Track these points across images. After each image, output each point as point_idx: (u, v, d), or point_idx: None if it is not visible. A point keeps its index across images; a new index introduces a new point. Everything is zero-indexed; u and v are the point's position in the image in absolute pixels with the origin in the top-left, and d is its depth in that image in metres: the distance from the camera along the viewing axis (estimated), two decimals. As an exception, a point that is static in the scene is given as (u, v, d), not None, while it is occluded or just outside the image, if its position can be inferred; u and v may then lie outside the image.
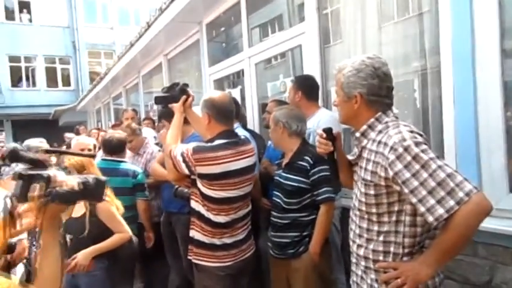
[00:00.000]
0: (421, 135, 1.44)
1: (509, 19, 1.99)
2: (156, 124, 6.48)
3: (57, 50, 20.71)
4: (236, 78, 4.77)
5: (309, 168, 2.26)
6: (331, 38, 3.27)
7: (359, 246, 1.58)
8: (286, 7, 4.03)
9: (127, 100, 9.98)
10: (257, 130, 3.99)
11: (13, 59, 20.19)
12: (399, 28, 2.78)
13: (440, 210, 1.29)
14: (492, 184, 1.99)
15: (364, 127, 1.54)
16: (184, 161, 2.14)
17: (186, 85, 2.82)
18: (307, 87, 2.82)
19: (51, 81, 21.13)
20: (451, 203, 1.29)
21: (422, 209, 1.33)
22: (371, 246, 1.52)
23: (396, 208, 1.45)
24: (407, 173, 1.35)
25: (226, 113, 2.31)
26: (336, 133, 1.70)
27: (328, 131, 1.68)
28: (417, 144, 1.37)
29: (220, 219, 2.21)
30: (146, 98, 8.31)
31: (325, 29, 3.25)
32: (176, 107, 2.42)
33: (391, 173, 1.39)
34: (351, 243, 1.65)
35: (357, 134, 1.57)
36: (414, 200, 1.35)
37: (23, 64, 20.59)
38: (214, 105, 2.28)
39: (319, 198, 2.25)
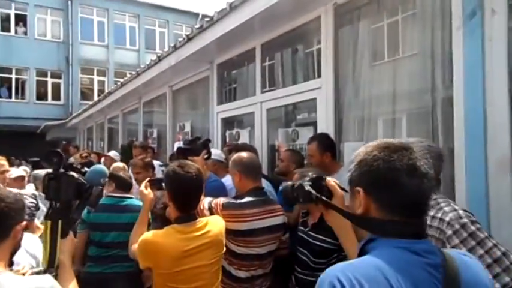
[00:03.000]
0: (472, 214, 1.59)
1: None
2: (155, 152, 6.60)
3: (50, 64, 20.68)
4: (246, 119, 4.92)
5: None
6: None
7: None
8: (302, 60, 4.25)
9: (123, 122, 10.04)
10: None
11: (4, 70, 20.06)
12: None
13: (497, 285, 1.42)
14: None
15: None
16: (211, 214, 2.25)
17: (209, 140, 2.96)
18: (333, 147, 2.94)
19: (41, 94, 20.99)
20: (507, 279, 1.42)
21: None
22: None
23: None
24: (464, 248, 1.47)
25: (255, 169, 2.44)
26: None
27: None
28: (473, 222, 1.53)
29: (241, 274, 2.31)
30: (145, 121, 8.42)
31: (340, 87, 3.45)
32: (198, 161, 2.54)
33: (448, 247, 1.51)
34: None
35: None
36: None
37: (13, 76, 20.45)
38: (243, 163, 2.42)
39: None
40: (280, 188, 1.78)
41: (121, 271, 3.08)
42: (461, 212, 1.58)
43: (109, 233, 3.14)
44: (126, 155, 6.27)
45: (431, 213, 1.62)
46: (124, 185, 3.37)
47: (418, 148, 1.04)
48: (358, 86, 3.29)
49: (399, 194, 0.96)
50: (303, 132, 3.90)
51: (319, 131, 3.42)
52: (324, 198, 1.38)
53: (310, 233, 2.42)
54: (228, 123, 5.20)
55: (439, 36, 2.66)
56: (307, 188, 1.44)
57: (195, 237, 1.90)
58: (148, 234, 1.96)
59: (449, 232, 1.54)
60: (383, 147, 1.02)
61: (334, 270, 0.91)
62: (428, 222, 1.57)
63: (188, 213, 2.01)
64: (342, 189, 1.42)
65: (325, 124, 3.41)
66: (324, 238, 2.39)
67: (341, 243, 1.39)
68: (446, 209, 1.60)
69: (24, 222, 1.53)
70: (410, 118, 3.02)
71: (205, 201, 2.30)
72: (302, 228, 2.49)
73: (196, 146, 2.73)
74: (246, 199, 2.32)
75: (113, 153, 6.47)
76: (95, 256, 3.17)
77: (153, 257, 1.90)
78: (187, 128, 6.25)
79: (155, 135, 7.67)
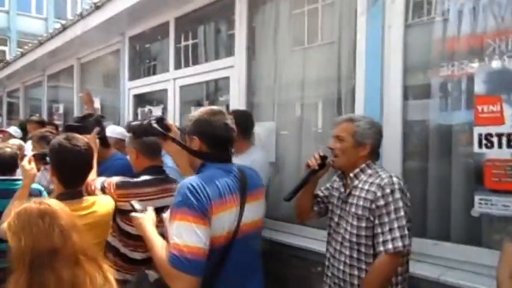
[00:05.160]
0: (404, 183, 1.82)
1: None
2: (59, 130, 6.05)
3: None
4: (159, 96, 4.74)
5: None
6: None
7: (351, 275, 1.85)
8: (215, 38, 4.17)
9: (25, 96, 9.15)
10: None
11: None
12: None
13: (389, 245, 1.70)
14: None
15: (357, 170, 1.88)
16: (104, 194, 2.11)
17: (102, 117, 2.78)
18: (244, 125, 2.91)
19: None
20: (399, 243, 1.69)
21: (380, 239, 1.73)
22: (362, 275, 1.80)
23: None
24: (384, 210, 1.73)
25: (152, 147, 2.32)
26: (328, 164, 1.97)
27: (325, 157, 1.97)
28: (401, 190, 1.75)
29: (137, 255, 2.22)
30: (50, 96, 7.74)
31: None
32: (90, 138, 2.34)
33: (373, 206, 1.76)
34: (335, 271, 1.93)
35: (351, 175, 1.90)
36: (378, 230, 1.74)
37: None
38: (141, 141, 2.28)
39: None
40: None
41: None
42: (395, 179, 1.78)
43: None
44: (24, 132, 5.71)
45: (371, 179, 1.83)
46: (2, 167, 2.81)
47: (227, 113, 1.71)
48: (272, 67, 3.32)
49: (217, 138, 1.64)
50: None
51: (230, 110, 3.38)
52: (168, 134, 1.84)
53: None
54: (140, 100, 4.97)
55: (348, 24, 2.76)
56: (154, 124, 1.85)
57: (79, 217, 1.73)
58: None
59: (379, 194, 1.75)
60: (208, 112, 1.66)
61: (188, 180, 1.52)
62: (366, 187, 1.83)
63: (73, 189, 1.87)
64: (178, 129, 1.96)
65: (238, 103, 3.40)
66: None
67: (178, 165, 1.92)
68: (383, 176, 1.81)
69: None
70: (322, 103, 3.12)
71: (98, 181, 2.16)
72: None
73: (88, 122, 2.55)
74: (142, 178, 2.21)
75: (13, 129, 5.84)
76: None
77: None
78: (97, 105, 5.85)
79: (61, 111, 7.09)
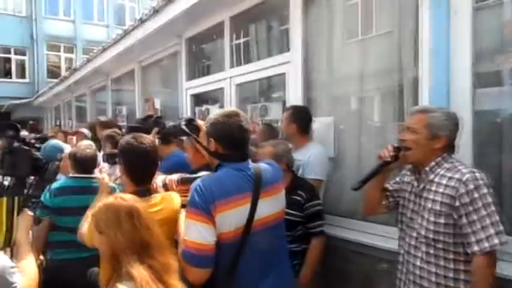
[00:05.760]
0: (488, 178, 1.72)
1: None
2: (122, 131, 6.38)
3: (13, 40, 19.65)
4: (215, 95, 4.85)
5: (303, 202, 2.41)
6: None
7: (429, 272, 1.79)
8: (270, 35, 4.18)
9: (91, 100, 9.75)
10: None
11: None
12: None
13: (485, 244, 1.62)
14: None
15: (432, 163, 1.81)
16: (167, 191, 2.17)
17: (160, 117, 2.91)
18: (302, 120, 2.95)
19: (5, 72, 20.06)
20: (496, 240, 1.61)
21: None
22: (440, 272, 1.75)
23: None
24: (470, 207, 1.65)
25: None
26: (401, 157, 1.89)
27: (398, 149, 1.88)
28: (486, 185, 1.67)
29: None
30: (114, 99, 8.20)
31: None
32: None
33: (457, 204, 1.67)
34: (411, 267, 1.87)
35: (426, 168, 1.82)
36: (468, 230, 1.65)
37: (-26, 53, 19.48)
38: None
39: (312, 231, 2.41)
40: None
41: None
42: (477, 174, 1.69)
43: (81, 216, 2.91)
44: (93, 133, 6.08)
45: (449, 174, 1.75)
46: (84, 167, 3.04)
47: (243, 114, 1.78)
48: (329, 62, 3.27)
49: (232, 140, 1.71)
50: (273, 107, 3.88)
51: (288, 106, 3.39)
52: (193, 135, 2.00)
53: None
54: (198, 99, 5.11)
55: (408, 12, 2.65)
56: (183, 126, 1.98)
57: (151, 214, 1.84)
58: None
59: (463, 190, 1.67)
60: (223, 114, 1.74)
61: (198, 181, 1.66)
62: (445, 182, 1.74)
63: (144, 187, 1.95)
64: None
65: (295, 99, 3.39)
66: (289, 211, 2.40)
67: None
68: (464, 170, 1.72)
69: None
70: (383, 96, 3.03)
71: (158, 179, 2.23)
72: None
73: (148, 124, 2.68)
74: (200, 173, 2.27)
75: (86, 131, 6.25)
76: (65, 242, 2.82)
77: None
78: (157, 105, 6.11)
79: (124, 112, 7.49)
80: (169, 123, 4.00)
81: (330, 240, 2.75)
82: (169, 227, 1.93)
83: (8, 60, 20.18)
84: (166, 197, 2.03)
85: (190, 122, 2.01)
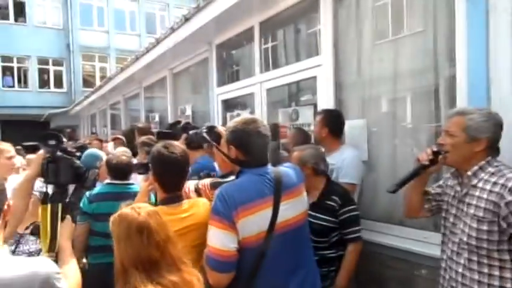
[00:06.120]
0: None
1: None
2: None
3: (51, 51, 20.58)
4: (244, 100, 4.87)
5: (337, 208, 2.39)
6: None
7: (471, 279, 1.73)
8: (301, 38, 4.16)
9: (125, 108, 10.03)
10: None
11: (5, 59, 20.05)
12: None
13: None
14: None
15: (475, 168, 1.73)
16: (199, 196, 2.19)
17: (188, 123, 2.96)
18: (335, 124, 2.93)
19: (44, 82, 20.98)
20: None
21: None
22: (484, 279, 1.68)
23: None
24: None
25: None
26: (441, 161, 1.83)
27: (438, 152, 1.82)
28: None
29: None
30: (146, 106, 8.39)
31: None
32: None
33: (505, 212, 1.59)
34: (453, 274, 1.81)
35: (469, 173, 1.75)
36: None
37: (15, 64, 20.44)
38: None
39: (349, 237, 2.38)
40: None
41: None
42: None
43: None
44: (128, 140, 6.24)
45: (493, 179, 1.68)
46: (119, 173, 3.12)
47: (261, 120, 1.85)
48: (360, 64, 3.23)
49: (251, 146, 1.76)
50: (303, 111, 3.86)
51: (319, 109, 3.37)
52: (214, 143, 2.05)
53: (310, 212, 2.37)
54: (229, 105, 5.15)
55: (443, 10, 2.58)
56: (204, 134, 2.08)
57: (180, 219, 1.86)
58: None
59: (510, 198, 1.58)
60: (242, 122, 1.80)
61: (220, 188, 1.73)
62: (488, 187, 1.67)
63: (174, 193, 1.97)
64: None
65: (326, 102, 3.36)
66: (323, 217, 2.39)
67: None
68: (510, 175, 1.64)
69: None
70: (417, 97, 2.96)
71: (191, 184, 2.25)
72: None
73: (176, 129, 2.72)
74: (232, 177, 2.28)
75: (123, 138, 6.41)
76: (101, 247, 2.90)
77: None
78: (188, 112, 6.21)
79: (157, 119, 7.65)
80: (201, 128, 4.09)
81: (365, 245, 2.70)
82: (200, 232, 1.93)
83: (47, 71, 21.11)
84: (195, 202, 2.06)
85: (211, 129, 2.09)
